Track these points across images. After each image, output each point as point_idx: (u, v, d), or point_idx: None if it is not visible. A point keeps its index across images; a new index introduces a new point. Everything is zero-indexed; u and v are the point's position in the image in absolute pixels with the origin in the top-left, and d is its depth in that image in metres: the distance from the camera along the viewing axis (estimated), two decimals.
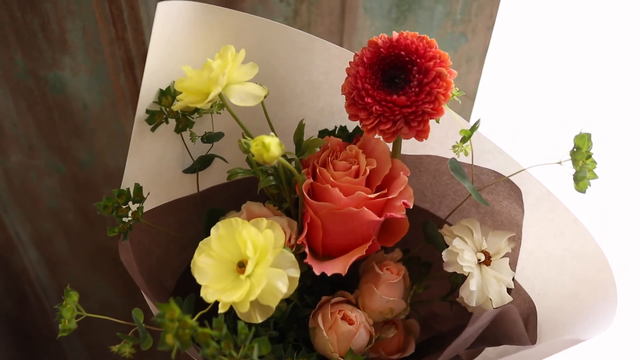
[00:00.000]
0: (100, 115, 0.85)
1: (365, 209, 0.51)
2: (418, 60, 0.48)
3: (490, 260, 0.55)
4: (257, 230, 0.48)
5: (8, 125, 0.87)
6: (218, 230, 0.49)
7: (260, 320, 0.48)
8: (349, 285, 0.61)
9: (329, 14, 0.74)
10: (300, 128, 0.56)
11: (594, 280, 0.53)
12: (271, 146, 0.45)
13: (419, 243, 0.60)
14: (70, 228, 1.04)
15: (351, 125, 0.61)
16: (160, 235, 0.59)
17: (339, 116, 0.62)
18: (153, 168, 0.56)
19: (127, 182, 0.54)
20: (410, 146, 0.59)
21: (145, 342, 0.52)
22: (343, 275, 0.51)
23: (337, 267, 0.52)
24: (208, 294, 0.47)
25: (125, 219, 0.53)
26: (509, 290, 0.55)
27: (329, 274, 0.51)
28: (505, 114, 0.90)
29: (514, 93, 0.90)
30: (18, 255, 1.09)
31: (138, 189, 0.53)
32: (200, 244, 0.49)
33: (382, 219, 0.52)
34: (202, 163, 0.59)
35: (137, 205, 0.54)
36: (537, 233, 0.56)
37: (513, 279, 0.57)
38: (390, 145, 0.56)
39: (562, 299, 0.56)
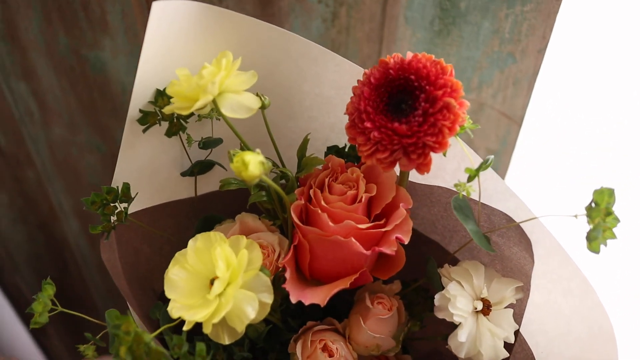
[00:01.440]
0: None
1: (353, 240, 0.47)
2: (427, 87, 0.44)
3: (490, 310, 0.50)
4: (231, 250, 0.46)
5: (51, 99, 0.88)
6: (196, 243, 0.47)
7: (228, 342, 0.46)
8: (342, 311, 0.58)
9: (369, 20, 0.70)
10: (304, 143, 0.53)
11: (599, 350, 0.47)
12: (250, 165, 0.42)
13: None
14: None
15: None
16: (153, 235, 0.58)
17: None
18: (147, 168, 0.54)
19: (118, 180, 0.52)
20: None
21: (114, 345, 0.51)
22: (322, 306, 0.48)
23: (316, 297, 0.48)
24: (174, 309, 0.45)
25: (111, 218, 0.52)
26: (509, 345, 0.50)
27: (306, 304, 0.48)
28: (555, 139, 0.83)
29: (566, 118, 0.83)
30: (60, 225, 1.12)
31: (126, 188, 0.51)
32: (177, 254, 0.48)
33: (369, 252, 0.48)
34: (201, 168, 0.56)
35: (124, 205, 0.52)
36: (546, 287, 0.50)
37: (518, 332, 0.53)
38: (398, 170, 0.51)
39: None
